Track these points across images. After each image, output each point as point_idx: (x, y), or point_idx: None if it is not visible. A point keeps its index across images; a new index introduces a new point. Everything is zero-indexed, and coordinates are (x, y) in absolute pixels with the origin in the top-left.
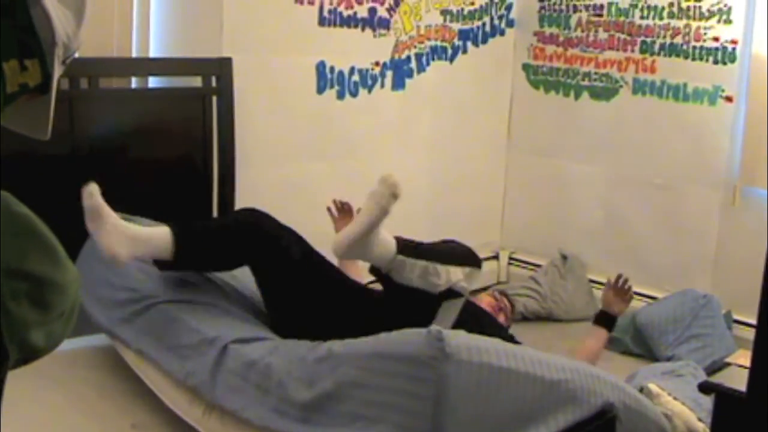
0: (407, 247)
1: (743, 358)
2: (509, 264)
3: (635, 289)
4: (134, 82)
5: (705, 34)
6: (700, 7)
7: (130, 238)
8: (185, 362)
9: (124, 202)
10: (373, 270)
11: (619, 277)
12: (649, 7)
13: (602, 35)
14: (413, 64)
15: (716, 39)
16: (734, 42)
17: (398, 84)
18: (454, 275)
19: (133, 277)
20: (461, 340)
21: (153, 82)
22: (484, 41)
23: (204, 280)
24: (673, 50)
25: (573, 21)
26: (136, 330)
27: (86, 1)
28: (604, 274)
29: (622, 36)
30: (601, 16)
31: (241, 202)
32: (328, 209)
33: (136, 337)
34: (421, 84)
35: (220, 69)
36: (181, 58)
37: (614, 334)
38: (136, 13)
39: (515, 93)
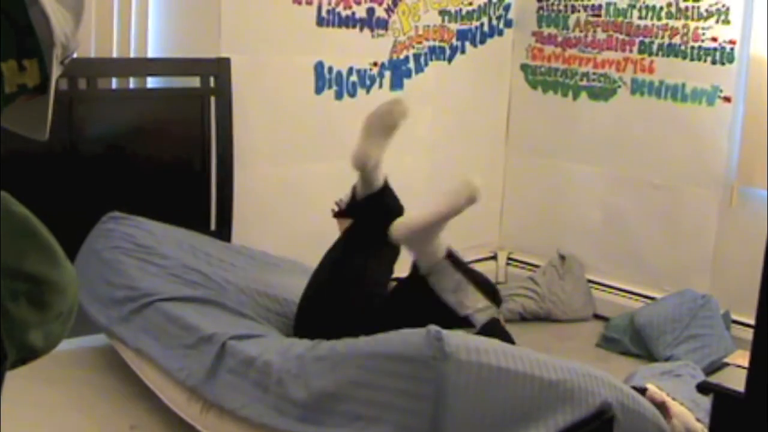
0: (454, 258)
1: (741, 358)
2: (507, 264)
3: (633, 289)
4: (133, 83)
5: (703, 34)
6: (698, 8)
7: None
8: (183, 360)
9: (123, 202)
10: (415, 267)
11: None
12: (647, 7)
13: (600, 35)
14: (411, 65)
15: (714, 39)
16: (732, 42)
17: (396, 84)
18: (479, 303)
19: (131, 275)
20: (460, 340)
21: (152, 82)
22: (483, 41)
23: (203, 278)
24: (671, 50)
25: (571, 21)
26: (135, 329)
27: (84, 2)
28: (603, 274)
29: (621, 36)
30: (599, 16)
31: (239, 202)
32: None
33: (135, 336)
34: (420, 84)
35: (218, 69)
36: (179, 58)
37: (613, 335)
38: (134, 13)
39: (513, 93)
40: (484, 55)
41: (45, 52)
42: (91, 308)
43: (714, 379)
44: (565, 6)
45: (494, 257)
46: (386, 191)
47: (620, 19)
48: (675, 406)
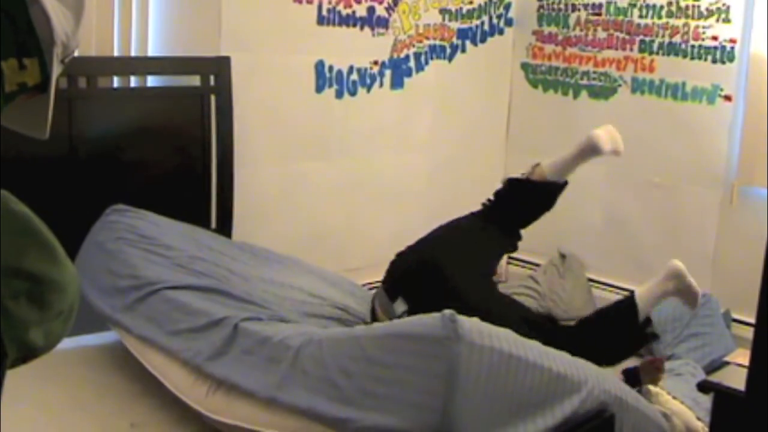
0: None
1: (742, 357)
2: (508, 263)
3: (633, 287)
4: (134, 81)
5: (704, 33)
6: (698, 6)
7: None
8: (191, 342)
9: (122, 201)
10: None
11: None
12: (647, 6)
13: (601, 34)
14: (412, 63)
15: (715, 38)
16: (733, 41)
17: (397, 83)
18: None
19: (135, 265)
20: (473, 324)
21: (152, 81)
22: (483, 40)
23: (208, 267)
24: (671, 49)
25: (572, 20)
26: (139, 316)
27: (85, 1)
28: (603, 273)
29: (621, 35)
30: (599, 15)
31: (239, 200)
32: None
33: (139, 323)
34: (420, 83)
35: (218, 68)
36: (178, 57)
37: None
38: (135, 12)
39: (514, 92)
40: (484, 53)
41: (45, 50)
42: (94, 298)
43: (714, 377)
44: (566, 5)
45: None
46: (559, 190)
47: (621, 17)
48: (676, 405)
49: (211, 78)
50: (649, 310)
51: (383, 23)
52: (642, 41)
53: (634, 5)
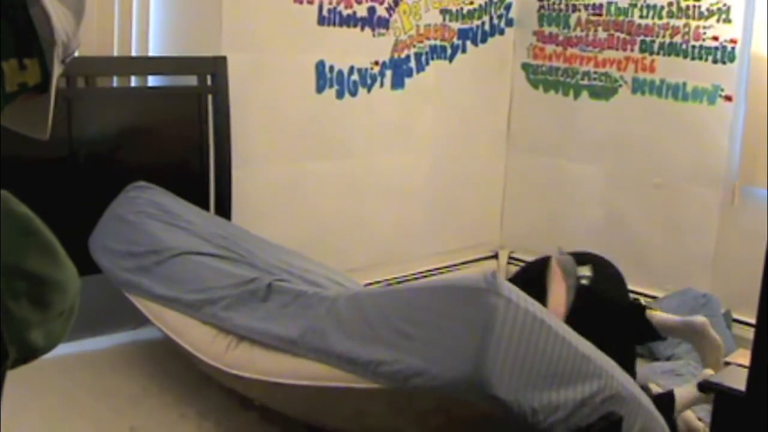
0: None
1: (742, 357)
2: (509, 263)
3: (634, 287)
4: (134, 81)
5: (704, 33)
6: (699, 7)
7: None
8: (218, 302)
9: None
10: None
11: None
12: (648, 6)
13: (601, 34)
14: (413, 64)
15: (716, 38)
16: (733, 41)
17: (397, 83)
18: None
19: (157, 235)
20: (513, 288)
21: (153, 81)
22: (484, 40)
23: (231, 243)
24: (672, 49)
25: (572, 20)
26: (158, 277)
27: (85, 1)
28: None
29: (622, 35)
30: (600, 15)
31: (239, 201)
32: None
33: (158, 283)
34: (421, 83)
35: (215, 67)
36: (175, 56)
37: None
38: (135, 12)
39: (515, 92)
40: (485, 54)
41: (46, 50)
42: (108, 263)
43: (715, 378)
44: (566, 5)
45: (495, 256)
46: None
47: (621, 18)
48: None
49: (209, 78)
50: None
51: (384, 23)
52: (643, 41)
53: (635, 5)
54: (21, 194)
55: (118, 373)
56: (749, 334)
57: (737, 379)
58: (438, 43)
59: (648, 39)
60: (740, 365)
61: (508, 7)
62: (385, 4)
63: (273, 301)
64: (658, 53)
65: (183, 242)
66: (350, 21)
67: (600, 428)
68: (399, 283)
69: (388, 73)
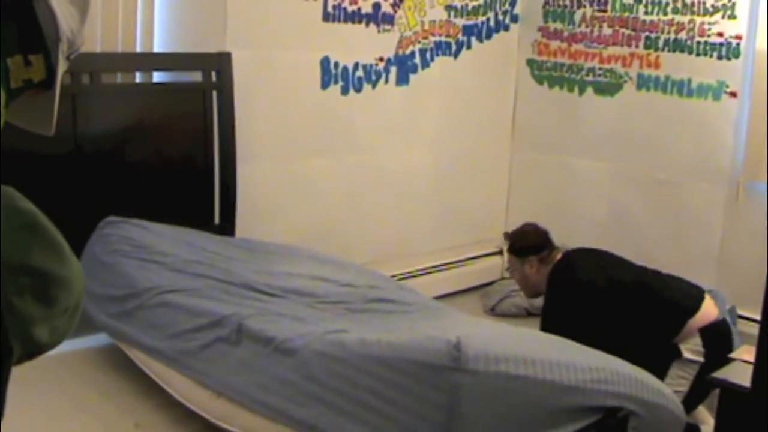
0: None
1: (747, 353)
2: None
3: None
4: (139, 77)
5: (709, 29)
6: (704, 3)
7: None
8: (195, 352)
9: (126, 196)
10: None
11: None
12: (653, 2)
13: (606, 31)
14: (417, 60)
15: (720, 34)
16: (738, 37)
17: (402, 79)
18: None
19: (132, 275)
20: (479, 349)
21: (158, 77)
22: (489, 37)
23: (204, 268)
24: (677, 46)
25: (577, 16)
26: (138, 323)
27: None
28: None
29: (627, 31)
30: (605, 11)
31: (244, 196)
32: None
33: (139, 331)
34: (426, 79)
35: (220, 64)
36: (179, 53)
37: None
38: (140, 8)
39: (519, 88)
40: (490, 50)
41: (51, 47)
42: (93, 310)
43: (720, 374)
44: (571, 1)
45: (500, 252)
46: None
47: (626, 14)
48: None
49: (213, 74)
50: None
51: (389, 20)
52: (647, 38)
53: (640, 1)
54: (26, 190)
55: (122, 371)
56: (754, 330)
57: (742, 375)
58: (443, 39)
59: (653, 35)
60: (745, 361)
61: (513, 3)
62: (390, 1)
63: (244, 347)
64: (663, 49)
65: (157, 279)
66: (355, 17)
67: (607, 426)
68: (404, 279)
69: (393, 69)
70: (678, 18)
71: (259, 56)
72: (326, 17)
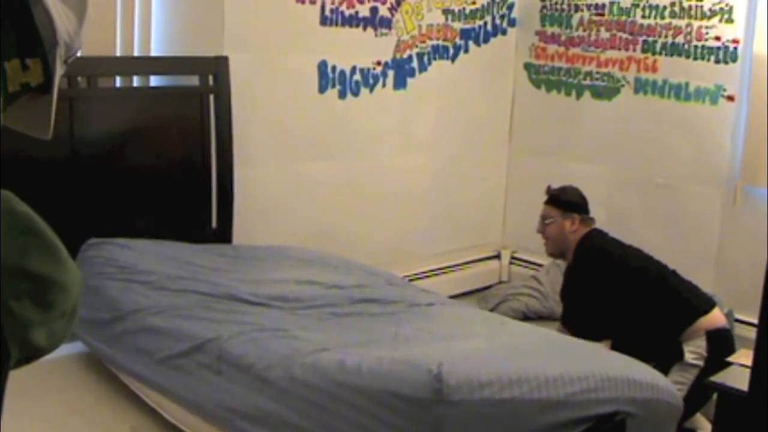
0: None
1: (745, 357)
2: (511, 263)
3: None
4: (136, 81)
5: (707, 33)
6: (701, 7)
7: None
8: (180, 375)
9: (123, 200)
10: None
11: None
12: (650, 6)
13: (604, 35)
14: (415, 64)
15: (718, 38)
16: (736, 41)
17: (400, 83)
18: None
19: (117, 298)
20: (462, 377)
21: (155, 81)
22: (486, 41)
23: (189, 283)
24: (674, 49)
25: (575, 20)
26: (126, 349)
27: (88, 2)
28: None
29: (624, 35)
30: (602, 15)
31: (242, 200)
32: None
33: (127, 356)
34: (423, 83)
35: (217, 67)
36: (176, 57)
37: None
38: (137, 12)
39: (517, 92)
40: (487, 54)
41: (48, 51)
42: (84, 335)
43: (717, 378)
44: (569, 5)
45: (497, 256)
46: None
47: (624, 18)
48: None
49: (210, 78)
50: None
51: (386, 23)
52: (645, 42)
53: (637, 6)
54: (23, 194)
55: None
56: (751, 334)
57: (739, 379)
58: (440, 43)
59: (650, 39)
60: (742, 365)
61: (510, 7)
62: (388, 4)
63: (226, 376)
64: (660, 53)
65: (142, 300)
66: (353, 21)
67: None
68: None
69: (391, 73)
70: (675, 22)
71: (257, 60)
72: (324, 21)
